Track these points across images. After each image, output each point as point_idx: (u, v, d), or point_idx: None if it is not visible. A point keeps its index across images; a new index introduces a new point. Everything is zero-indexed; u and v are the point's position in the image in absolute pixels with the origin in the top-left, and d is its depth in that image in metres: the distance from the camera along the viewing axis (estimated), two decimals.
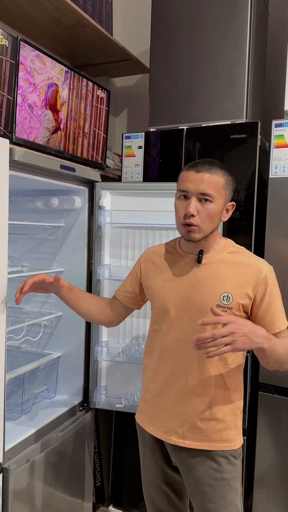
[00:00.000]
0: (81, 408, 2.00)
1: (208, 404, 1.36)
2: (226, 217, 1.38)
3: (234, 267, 1.36)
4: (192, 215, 1.30)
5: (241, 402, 1.43)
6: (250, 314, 1.37)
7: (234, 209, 1.40)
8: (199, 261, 1.37)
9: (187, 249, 1.41)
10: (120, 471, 2.26)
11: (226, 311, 1.32)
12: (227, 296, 1.33)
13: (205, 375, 1.35)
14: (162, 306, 1.40)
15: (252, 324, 1.22)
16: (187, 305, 1.36)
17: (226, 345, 1.15)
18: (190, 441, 1.37)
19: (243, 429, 1.45)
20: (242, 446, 1.43)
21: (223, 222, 1.42)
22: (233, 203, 1.39)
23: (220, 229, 1.46)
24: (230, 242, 1.43)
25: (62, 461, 1.81)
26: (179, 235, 1.50)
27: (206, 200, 1.30)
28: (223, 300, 1.33)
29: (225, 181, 1.33)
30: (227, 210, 1.38)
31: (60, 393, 2.05)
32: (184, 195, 1.33)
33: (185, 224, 1.32)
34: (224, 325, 1.17)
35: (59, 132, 1.98)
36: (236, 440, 1.39)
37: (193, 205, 1.30)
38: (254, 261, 1.38)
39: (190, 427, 1.37)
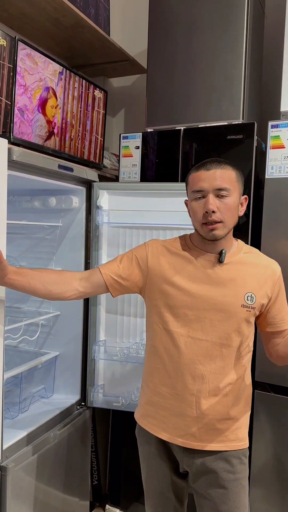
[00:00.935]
0: (78, 407, 2.00)
1: (226, 404, 1.35)
2: (242, 211, 1.37)
3: (253, 268, 1.37)
4: (213, 212, 1.28)
5: (250, 399, 1.44)
6: (262, 312, 1.39)
7: (247, 202, 1.39)
8: (221, 260, 1.35)
9: (204, 249, 1.37)
10: (117, 470, 2.27)
11: (250, 311, 1.33)
12: (251, 296, 1.33)
13: (225, 375, 1.34)
14: (179, 305, 1.35)
15: None
16: (207, 305, 1.33)
17: None
18: (207, 443, 1.35)
19: None
20: None
21: None
22: (246, 196, 1.38)
23: None
24: (242, 242, 1.43)
25: (60, 459, 1.82)
26: (178, 235, 1.50)
27: (223, 195, 1.29)
28: (247, 300, 1.33)
29: (236, 174, 1.33)
30: (241, 204, 1.37)
31: (58, 392, 2.05)
32: (199, 195, 1.31)
33: (207, 223, 1.30)
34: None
35: (53, 137, 1.95)
36: (247, 439, 1.41)
37: (212, 201, 1.28)
38: (268, 261, 1.40)
39: (208, 429, 1.35)
